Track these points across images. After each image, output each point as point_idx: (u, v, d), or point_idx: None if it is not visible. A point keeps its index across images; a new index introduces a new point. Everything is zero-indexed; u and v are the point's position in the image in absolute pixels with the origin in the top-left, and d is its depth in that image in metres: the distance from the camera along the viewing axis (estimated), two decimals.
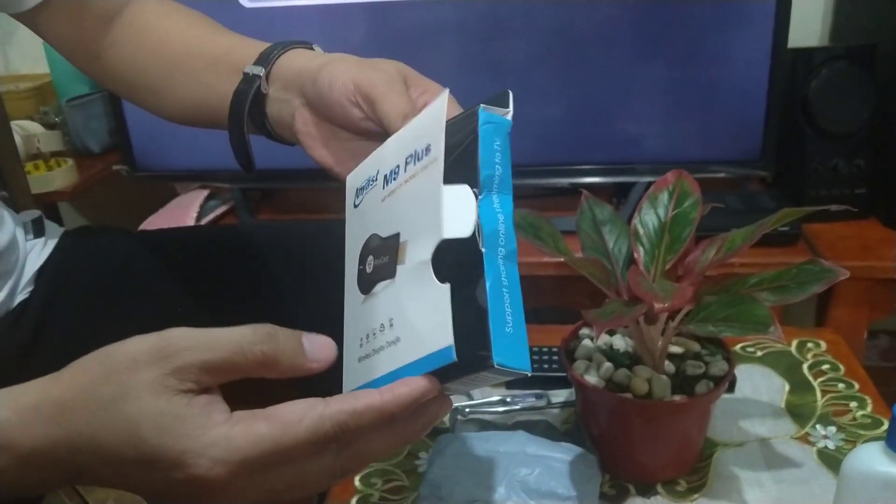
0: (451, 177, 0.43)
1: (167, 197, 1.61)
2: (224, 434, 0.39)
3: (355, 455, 0.42)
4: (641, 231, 0.65)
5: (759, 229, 0.60)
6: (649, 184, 0.68)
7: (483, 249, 0.42)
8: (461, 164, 0.44)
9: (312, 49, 0.63)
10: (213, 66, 0.65)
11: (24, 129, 1.58)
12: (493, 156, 0.45)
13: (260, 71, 0.60)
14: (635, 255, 0.64)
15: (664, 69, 1.37)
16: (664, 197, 0.66)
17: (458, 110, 0.50)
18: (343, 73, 0.55)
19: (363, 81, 0.54)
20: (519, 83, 1.39)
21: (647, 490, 0.67)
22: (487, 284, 0.41)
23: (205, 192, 1.57)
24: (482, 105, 0.45)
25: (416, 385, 0.41)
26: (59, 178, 1.53)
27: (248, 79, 0.61)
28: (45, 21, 0.71)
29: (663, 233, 0.64)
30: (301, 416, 0.39)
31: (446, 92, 0.45)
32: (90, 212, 1.86)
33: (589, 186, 0.70)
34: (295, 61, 0.60)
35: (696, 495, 0.67)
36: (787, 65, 1.36)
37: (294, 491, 0.42)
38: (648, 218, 0.65)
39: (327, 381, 0.46)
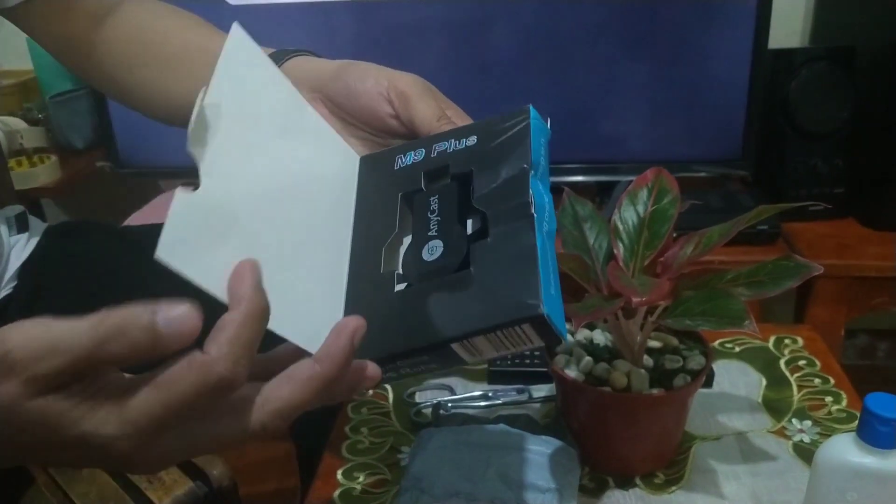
0: (500, 158, 0.49)
1: (151, 193, 1.61)
2: (113, 409, 0.37)
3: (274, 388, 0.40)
4: (621, 227, 0.66)
5: (735, 225, 0.62)
6: (630, 183, 0.69)
7: (535, 214, 0.46)
8: (510, 147, 0.50)
9: (318, 57, 0.64)
10: (215, 64, 0.66)
11: (7, 125, 1.58)
12: (540, 148, 0.50)
13: None
14: (615, 251, 0.65)
15: (646, 69, 1.39)
16: (643, 194, 0.67)
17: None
18: (375, 71, 0.58)
19: (398, 81, 0.57)
20: (503, 82, 1.40)
21: (625, 482, 0.68)
22: (538, 244, 0.44)
23: (190, 189, 1.57)
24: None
25: (343, 337, 0.41)
26: (42, 174, 1.53)
27: None
28: (32, 18, 0.70)
29: (642, 229, 0.65)
30: (183, 372, 0.37)
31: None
32: (74, 208, 1.85)
33: (572, 185, 0.71)
34: (308, 62, 0.62)
35: (673, 487, 0.68)
36: (768, 65, 1.38)
37: (223, 440, 0.41)
38: (628, 214, 0.66)
39: None
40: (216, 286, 0.40)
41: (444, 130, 0.54)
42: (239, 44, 0.49)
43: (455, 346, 0.44)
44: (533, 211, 0.46)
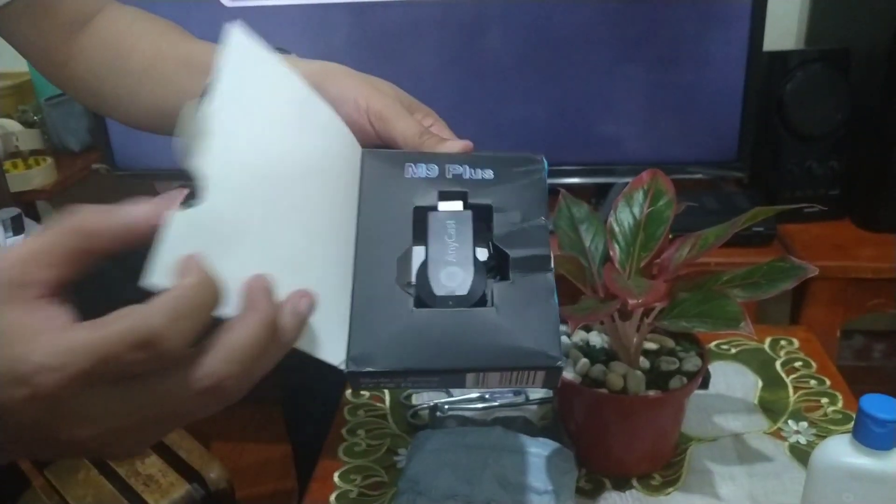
0: (518, 203, 0.52)
1: (147, 196, 1.61)
2: (50, 340, 0.37)
3: (210, 364, 0.40)
4: (617, 229, 0.66)
5: (731, 227, 0.62)
6: (626, 184, 0.69)
7: (553, 268, 0.50)
8: (528, 195, 0.53)
9: (289, 54, 0.63)
10: (184, 68, 0.65)
11: (3, 127, 1.58)
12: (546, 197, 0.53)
13: None
14: (611, 253, 0.65)
15: (642, 71, 1.39)
16: (639, 195, 0.67)
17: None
18: (352, 89, 0.58)
19: (374, 101, 0.57)
20: (499, 84, 1.40)
21: (622, 484, 0.69)
22: (555, 298, 0.48)
23: (185, 191, 1.57)
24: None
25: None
26: (37, 176, 1.53)
27: None
28: (8, 24, 0.70)
29: (638, 231, 0.65)
30: (117, 317, 0.37)
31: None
32: (69, 211, 1.85)
33: (568, 187, 0.71)
34: None
35: (670, 489, 0.68)
36: (763, 67, 1.38)
37: (152, 420, 0.40)
38: (624, 216, 0.66)
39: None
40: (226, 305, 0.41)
41: (429, 146, 0.56)
42: (240, 46, 0.49)
43: (469, 374, 0.47)
44: (552, 265, 0.50)
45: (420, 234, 0.52)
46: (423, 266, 0.51)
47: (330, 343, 0.47)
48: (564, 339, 0.71)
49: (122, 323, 0.37)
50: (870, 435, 0.52)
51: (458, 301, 0.49)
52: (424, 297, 0.50)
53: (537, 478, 0.64)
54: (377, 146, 0.58)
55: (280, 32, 1.37)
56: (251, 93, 0.49)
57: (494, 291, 0.49)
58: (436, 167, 0.54)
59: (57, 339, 0.37)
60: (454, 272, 0.50)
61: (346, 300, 0.50)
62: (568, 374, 0.67)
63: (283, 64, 0.52)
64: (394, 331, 0.48)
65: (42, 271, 0.39)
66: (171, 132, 0.66)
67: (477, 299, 0.49)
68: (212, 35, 0.67)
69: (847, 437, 0.54)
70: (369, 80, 0.59)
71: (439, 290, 0.49)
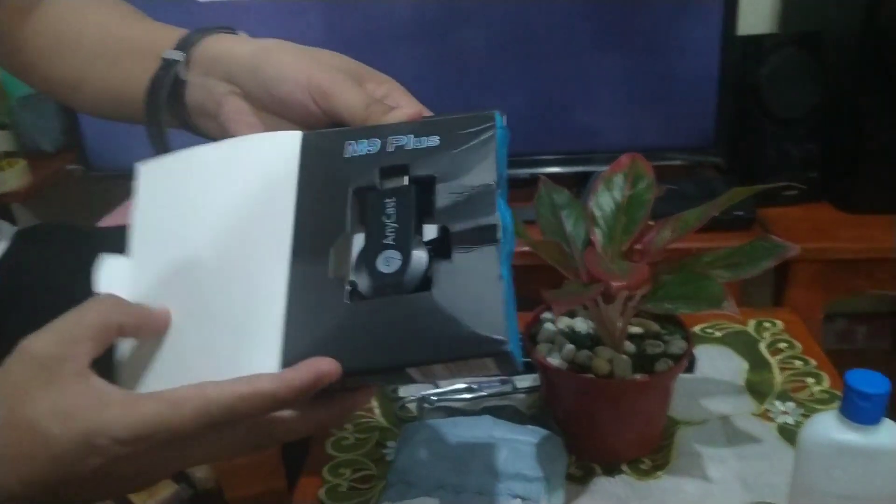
0: (464, 167, 0.48)
1: (123, 196, 1.59)
2: (120, 414, 0.41)
3: (259, 433, 0.44)
4: (598, 213, 0.66)
5: (711, 208, 0.62)
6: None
7: (500, 239, 0.45)
8: (475, 157, 0.48)
9: (235, 34, 0.61)
10: (129, 52, 0.63)
11: None
12: (503, 159, 0.49)
13: (179, 56, 0.58)
14: (592, 238, 0.65)
15: (618, 59, 1.39)
16: (619, 179, 0.67)
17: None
18: (291, 67, 0.55)
19: (317, 75, 0.54)
20: (477, 75, 1.40)
21: (612, 469, 0.68)
22: (504, 274, 0.44)
23: None
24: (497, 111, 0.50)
25: (311, 370, 0.43)
26: (11, 178, 1.51)
27: (166, 64, 0.58)
28: None
29: (619, 214, 0.65)
30: (186, 397, 0.41)
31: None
32: (44, 213, 1.83)
33: (548, 176, 0.71)
34: (217, 45, 0.59)
35: (660, 472, 0.68)
36: (737, 52, 1.39)
37: (199, 461, 0.45)
38: (604, 200, 0.66)
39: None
40: None
41: (377, 116, 0.52)
42: (151, 178, 0.55)
43: (410, 369, 0.44)
44: (499, 235, 0.45)
45: (363, 217, 0.48)
46: (362, 253, 0.47)
47: (260, 355, 0.45)
48: (549, 325, 0.71)
49: (192, 405, 0.41)
50: (856, 410, 0.52)
51: (395, 288, 0.45)
52: (360, 287, 0.46)
53: (527, 465, 0.64)
54: (327, 126, 0.54)
55: (254, 29, 1.35)
56: (174, 199, 0.54)
57: (434, 273, 0.45)
58: (378, 141, 0.50)
59: (129, 414, 0.41)
60: (392, 256, 0.45)
61: (280, 306, 0.46)
62: (554, 361, 0.67)
63: (193, 153, 0.54)
64: (326, 330, 0.45)
65: (78, 346, 0.42)
66: (121, 118, 0.65)
67: (416, 284, 0.45)
68: None
69: (834, 413, 0.54)
70: (312, 53, 0.56)
71: (374, 279, 0.45)
